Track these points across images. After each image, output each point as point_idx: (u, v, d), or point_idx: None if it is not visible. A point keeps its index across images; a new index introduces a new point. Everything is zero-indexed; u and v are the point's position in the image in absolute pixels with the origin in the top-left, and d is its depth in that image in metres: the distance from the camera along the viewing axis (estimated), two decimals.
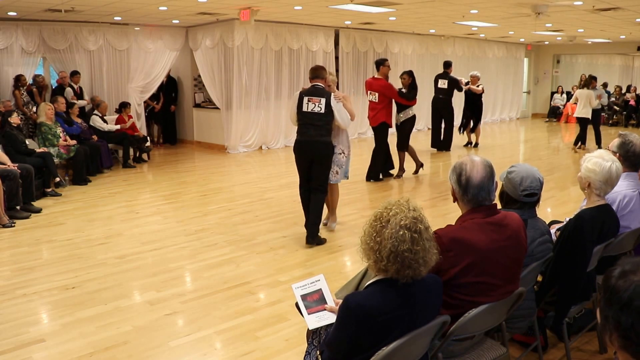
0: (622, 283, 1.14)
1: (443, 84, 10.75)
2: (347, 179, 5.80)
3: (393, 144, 8.40)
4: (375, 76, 8.05)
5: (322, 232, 5.48)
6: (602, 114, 12.30)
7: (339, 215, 6.15)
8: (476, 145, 11.66)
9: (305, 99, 5.15)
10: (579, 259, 2.75)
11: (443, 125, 11.01)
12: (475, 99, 11.35)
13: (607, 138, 11.73)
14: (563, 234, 2.87)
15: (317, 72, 5.24)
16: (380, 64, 7.99)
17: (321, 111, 5.08)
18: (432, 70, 13.95)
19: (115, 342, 3.39)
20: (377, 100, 7.91)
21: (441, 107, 10.86)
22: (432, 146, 11.13)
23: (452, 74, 10.83)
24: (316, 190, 5.24)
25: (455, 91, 10.94)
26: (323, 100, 5.08)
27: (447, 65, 10.90)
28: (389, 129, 8.13)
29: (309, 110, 5.12)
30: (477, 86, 11.28)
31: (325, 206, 5.58)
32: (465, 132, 11.74)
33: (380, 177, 8.31)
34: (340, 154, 5.49)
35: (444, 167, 9.68)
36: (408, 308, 1.93)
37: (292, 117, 5.30)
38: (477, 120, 11.54)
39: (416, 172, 8.68)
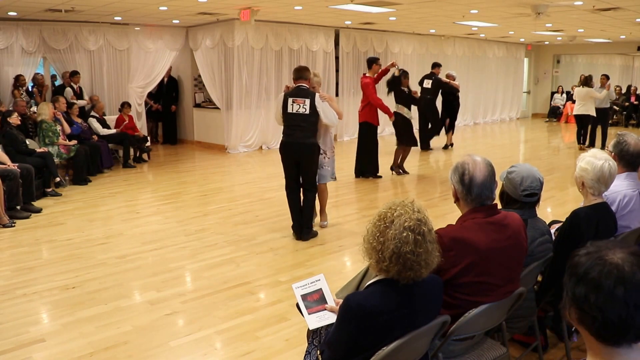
0: (583, 260, 1.22)
1: (427, 84, 10.63)
2: (335, 179, 5.74)
3: (381, 146, 8.39)
4: (367, 74, 8.04)
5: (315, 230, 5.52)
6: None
7: (339, 215, 6.17)
8: (450, 146, 11.40)
9: (290, 100, 5.11)
10: None
11: (429, 126, 10.94)
12: (452, 99, 11.21)
13: (608, 138, 11.73)
14: (560, 233, 2.88)
15: (300, 73, 5.17)
16: (373, 62, 7.98)
17: (306, 112, 5.05)
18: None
19: (115, 342, 3.39)
20: (362, 98, 7.97)
21: (424, 108, 10.57)
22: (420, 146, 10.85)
23: (439, 75, 10.71)
24: (306, 189, 5.29)
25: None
26: (308, 101, 5.04)
27: (435, 65, 10.83)
28: (376, 128, 8.16)
29: (294, 111, 5.09)
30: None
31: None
32: (447, 134, 11.51)
33: (366, 175, 8.31)
34: (321, 154, 5.41)
35: (440, 166, 9.68)
36: (408, 308, 1.93)
37: (277, 117, 5.28)
38: (452, 121, 11.36)
39: (392, 168, 8.67)
